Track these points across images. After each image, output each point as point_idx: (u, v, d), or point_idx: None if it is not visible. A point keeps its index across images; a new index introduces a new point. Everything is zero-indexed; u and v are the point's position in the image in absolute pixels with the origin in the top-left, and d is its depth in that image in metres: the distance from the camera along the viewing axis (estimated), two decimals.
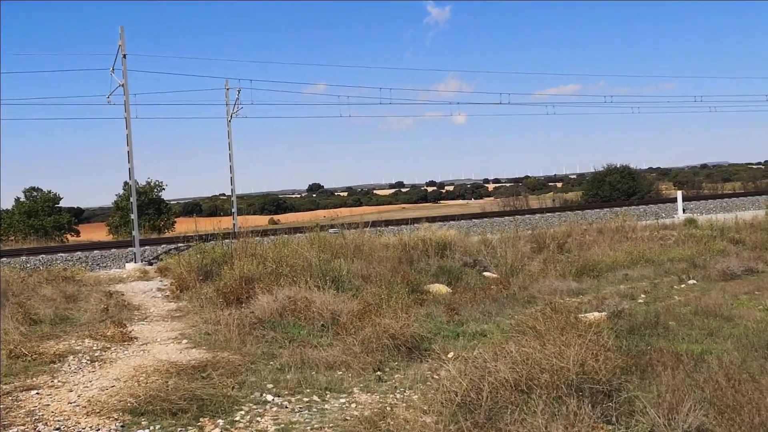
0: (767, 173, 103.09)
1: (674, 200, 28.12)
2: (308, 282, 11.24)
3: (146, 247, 22.46)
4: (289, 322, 9.14)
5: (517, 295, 12.77)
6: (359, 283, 12.33)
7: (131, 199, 22.34)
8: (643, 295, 12.82)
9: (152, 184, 47.23)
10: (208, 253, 14.32)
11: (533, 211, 26.04)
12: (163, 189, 47.66)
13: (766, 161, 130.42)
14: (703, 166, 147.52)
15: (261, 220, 66.41)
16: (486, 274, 15.19)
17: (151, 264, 20.44)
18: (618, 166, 46.98)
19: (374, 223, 19.73)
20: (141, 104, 59.13)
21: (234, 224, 27.43)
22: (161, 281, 16.28)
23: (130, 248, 21.65)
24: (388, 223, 21.77)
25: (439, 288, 13.24)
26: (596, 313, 9.98)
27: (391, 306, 9.87)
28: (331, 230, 18.89)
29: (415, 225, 18.36)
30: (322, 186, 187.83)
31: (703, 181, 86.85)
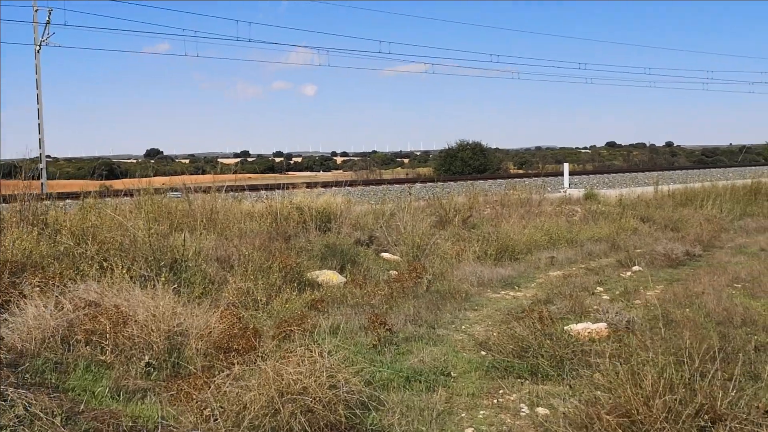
0: (593, 157, 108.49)
1: (557, 174, 26.20)
2: (130, 270, 6.77)
3: None
4: (78, 361, 4.68)
5: (441, 288, 9.13)
6: (215, 271, 8.02)
7: None
8: (599, 288, 9.68)
9: None
10: None
11: (394, 181, 22.59)
12: None
13: (592, 146, 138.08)
14: (538, 148, 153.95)
15: (90, 186, 58.03)
16: (385, 255, 11.39)
17: None
18: (470, 142, 46.08)
19: (233, 187, 15.19)
20: None
21: (42, 185, 21.49)
22: None
23: None
24: (253, 187, 17.15)
25: (330, 276, 9.26)
26: (591, 326, 6.50)
27: (276, 314, 5.81)
28: (171, 194, 13.95)
29: (288, 190, 14.08)
30: (162, 152, 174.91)
31: (539, 162, 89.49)
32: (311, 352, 4.26)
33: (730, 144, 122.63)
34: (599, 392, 4.80)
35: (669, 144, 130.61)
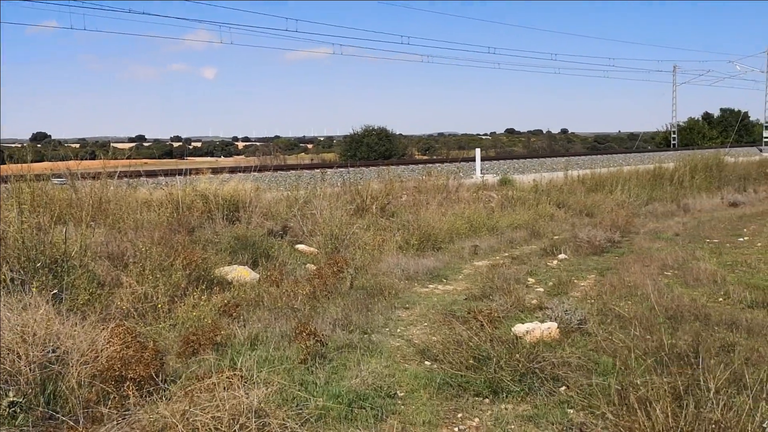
0: (495, 143, 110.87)
1: (466, 160, 25.93)
2: None
3: None
4: None
5: (366, 283, 8.33)
6: (106, 271, 6.83)
7: None
8: (530, 279, 9.17)
9: None
10: None
11: (307, 167, 21.37)
12: None
13: (492, 132, 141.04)
14: (441, 135, 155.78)
15: None
16: (301, 247, 10.43)
17: None
18: (375, 128, 45.66)
19: (128, 173, 13.63)
20: None
21: None
22: None
23: None
24: (151, 173, 15.42)
25: (242, 272, 8.24)
26: (539, 326, 5.85)
27: (181, 323, 4.82)
28: (54, 180, 12.35)
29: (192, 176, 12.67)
30: (50, 136, 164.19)
31: (443, 148, 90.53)
32: (230, 381, 3.31)
33: (619, 131, 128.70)
34: (571, 410, 4.13)
35: (564, 131, 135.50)
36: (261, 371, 4.04)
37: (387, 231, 11.89)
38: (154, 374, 3.82)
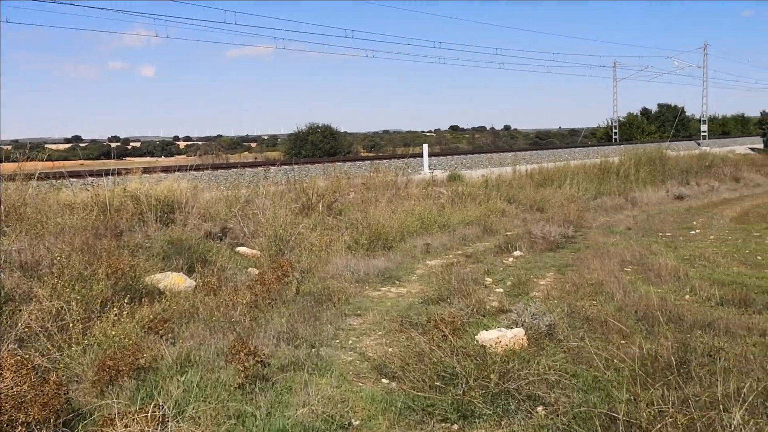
0: (439, 140, 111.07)
1: (414, 156, 25.46)
2: None
3: None
4: None
5: (314, 288, 7.70)
6: (14, 285, 5.99)
7: None
8: (488, 278, 8.69)
9: None
10: None
11: (249, 165, 20.24)
12: None
13: (436, 129, 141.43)
14: (385, 132, 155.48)
15: None
16: (242, 250, 9.70)
17: None
18: (320, 125, 44.94)
19: (51, 174, 12.51)
20: None
21: None
22: None
23: None
24: (75, 173, 14.11)
25: (175, 280, 7.49)
26: (506, 333, 5.33)
27: (99, 345, 4.13)
28: None
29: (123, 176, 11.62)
30: None
31: (387, 145, 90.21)
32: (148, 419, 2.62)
33: (560, 127, 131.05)
34: None
35: (507, 127, 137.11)
36: (189, 404, 3.36)
37: (335, 230, 11.28)
38: (55, 415, 3.10)
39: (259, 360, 4.18)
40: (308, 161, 21.50)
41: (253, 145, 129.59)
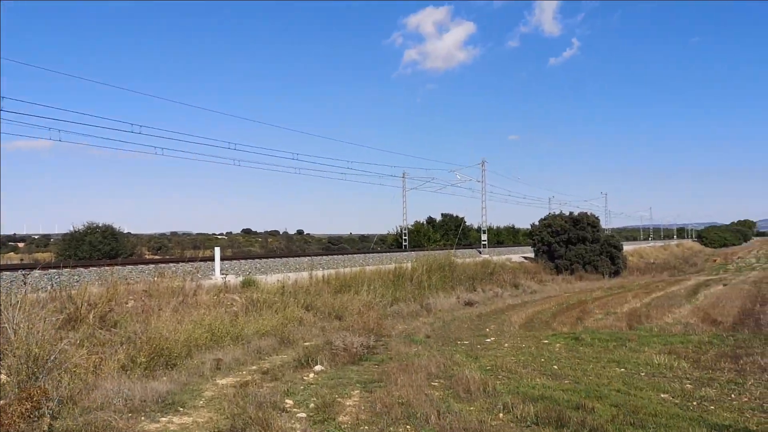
0: (232, 243, 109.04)
1: (205, 259, 23.92)
2: None
3: None
4: None
5: (71, 424, 6.22)
6: None
7: None
8: (288, 400, 7.70)
9: None
10: None
11: (6, 268, 17.15)
12: None
13: (228, 232, 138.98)
14: (173, 233, 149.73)
15: None
16: None
17: None
18: (100, 225, 41.83)
19: None
20: None
21: None
22: None
23: None
24: None
25: None
26: None
27: None
28: None
29: None
30: None
31: (175, 248, 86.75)
32: None
33: (351, 233, 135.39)
34: None
35: (300, 232, 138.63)
36: None
37: (107, 346, 9.65)
38: None
39: None
40: (82, 264, 19.04)
41: (21, 244, 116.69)
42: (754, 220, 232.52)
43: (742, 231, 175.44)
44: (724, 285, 29.26)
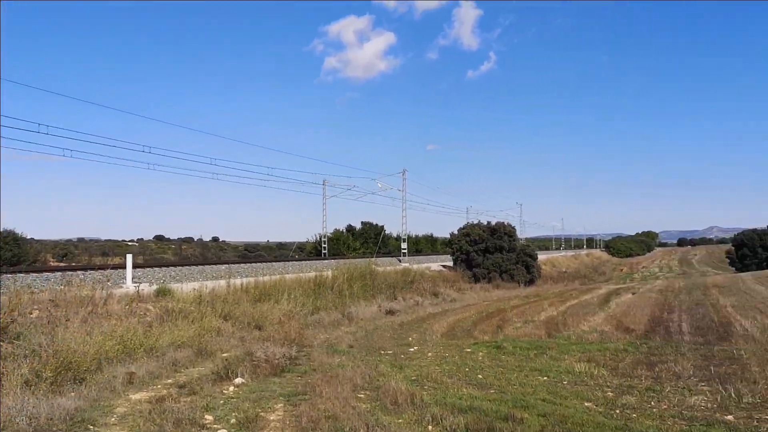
0: (143, 250, 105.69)
1: (117, 267, 22.85)
2: None
3: None
4: None
5: None
6: None
7: None
8: (208, 416, 7.35)
9: None
10: None
11: None
12: None
13: (139, 239, 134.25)
14: (80, 240, 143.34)
15: None
16: None
17: None
18: (1, 230, 39.84)
19: None
20: None
21: None
22: None
23: None
24: None
25: None
26: None
27: None
28: None
29: None
30: None
31: (82, 254, 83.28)
32: None
33: (268, 241, 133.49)
34: None
35: (216, 239, 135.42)
36: None
37: (9, 360, 8.96)
38: None
39: None
40: None
41: None
42: (657, 231, 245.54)
43: (646, 242, 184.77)
44: (633, 294, 30.51)
